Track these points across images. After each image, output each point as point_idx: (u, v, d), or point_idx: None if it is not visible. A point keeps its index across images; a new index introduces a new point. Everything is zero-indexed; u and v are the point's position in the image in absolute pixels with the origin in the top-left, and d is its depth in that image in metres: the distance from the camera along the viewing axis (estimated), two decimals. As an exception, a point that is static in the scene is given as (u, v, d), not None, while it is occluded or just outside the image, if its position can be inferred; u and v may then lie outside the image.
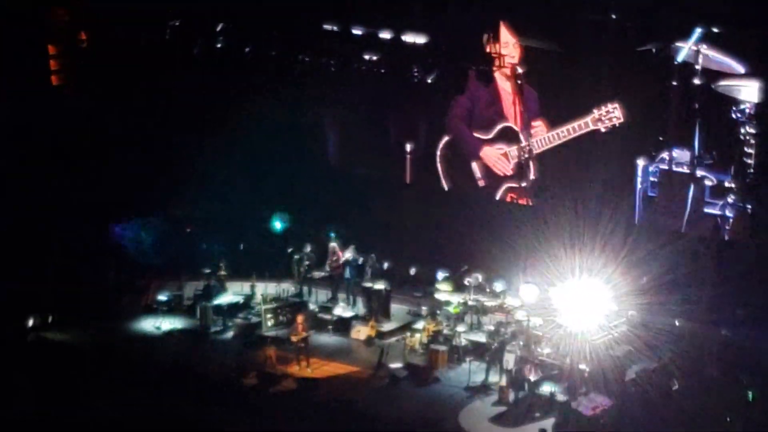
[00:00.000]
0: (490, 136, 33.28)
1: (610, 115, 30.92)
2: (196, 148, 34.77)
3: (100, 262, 32.87)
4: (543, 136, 32.21)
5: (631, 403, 25.70)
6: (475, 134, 33.54)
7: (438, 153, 34.26)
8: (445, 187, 34.42)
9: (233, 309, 31.38)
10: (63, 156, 33.89)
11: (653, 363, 27.95)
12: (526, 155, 32.51)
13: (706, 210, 30.37)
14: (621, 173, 31.43)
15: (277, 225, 33.26)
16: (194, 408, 26.38)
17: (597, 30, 30.41)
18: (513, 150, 32.89)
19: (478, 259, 31.65)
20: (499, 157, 33.27)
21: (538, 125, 32.27)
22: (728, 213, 30.06)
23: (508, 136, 32.98)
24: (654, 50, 29.82)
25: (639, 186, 31.18)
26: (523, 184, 32.91)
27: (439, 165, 34.34)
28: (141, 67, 33.90)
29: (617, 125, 30.93)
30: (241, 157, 35.18)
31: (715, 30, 29.04)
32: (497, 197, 33.43)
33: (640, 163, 31.03)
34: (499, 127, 33.09)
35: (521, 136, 32.60)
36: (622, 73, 30.54)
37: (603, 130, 31.13)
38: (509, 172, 33.17)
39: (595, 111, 31.15)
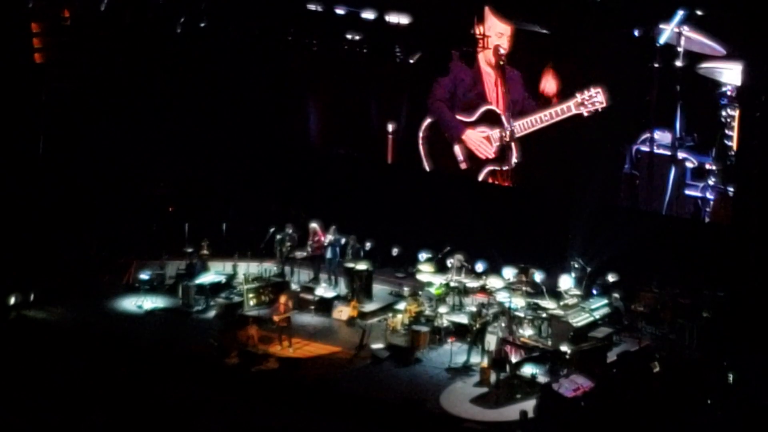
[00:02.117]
0: (473, 118, 33.29)
1: (592, 99, 30.98)
2: (177, 125, 34.68)
3: (82, 240, 32.81)
4: (525, 120, 32.25)
5: (613, 385, 25.76)
6: (458, 117, 33.55)
7: (420, 134, 34.26)
8: (427, 169, 34.44)
9: (215, 288, 31.28)
10: (45, 133, 33.77)
11: (634, 345, 28.10)
12: (508, 138, 32.58)
13: (687, 192, 30.50)
14: (602, 155, 31.47)
15: None
16: (175, 387, 26.34)
17: (580, 12, 30.43)
18: (495, 133, 32.91)
19: (460, 240, 31.65)
20: (481, 141, 33.26)
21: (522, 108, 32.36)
22: (709, 195, 30.17)
23: (490, 119, 32.99)
24: (636, 32, 29.83)
25: (621, 168, 31.27)
26: (505, 168, 32.99)
27: (421, 146, 34.34)
28: (124, 45, 33.81)
29: (600, 110, 31.00)
30: (223, 136, 35.12)
31: (698, 12, 29.09)
32: (479, 179, 33.45)
33: (622, 144, 31.15)
34: (481, 110, 33.08)
35: (503, 119, 32.63)
36: (605, 55, 30.57)
37: (585, 114, 31.20)
38: (491, 156, 33.18)
39: (578, 95, 31.24)
